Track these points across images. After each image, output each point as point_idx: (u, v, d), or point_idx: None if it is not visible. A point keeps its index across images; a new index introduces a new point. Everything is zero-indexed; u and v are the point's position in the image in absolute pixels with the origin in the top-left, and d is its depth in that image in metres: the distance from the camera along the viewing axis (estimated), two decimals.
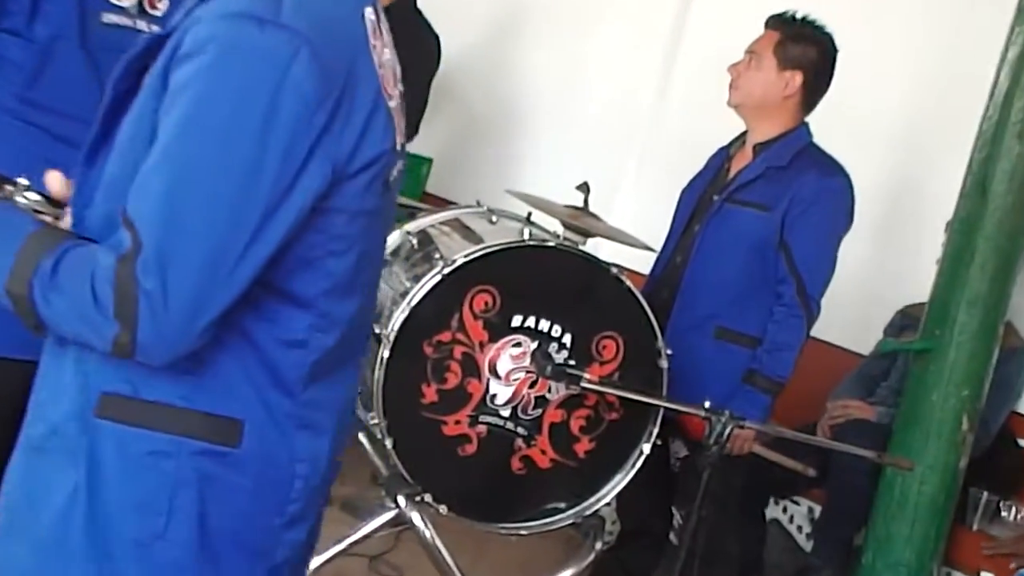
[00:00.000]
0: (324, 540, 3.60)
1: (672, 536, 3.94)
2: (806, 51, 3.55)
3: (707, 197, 3.69)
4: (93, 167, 1.59)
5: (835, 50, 3.60)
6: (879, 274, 4.73)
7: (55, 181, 1.63)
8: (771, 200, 3.51)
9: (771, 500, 4.52)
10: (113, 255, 1.44)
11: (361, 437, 3.49)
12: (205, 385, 1.54)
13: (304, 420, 1.61)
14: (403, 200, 4.79)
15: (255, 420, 1.57)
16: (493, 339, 3.03)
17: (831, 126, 3.69)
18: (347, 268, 1.60)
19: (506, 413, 3.09)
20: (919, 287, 4.07)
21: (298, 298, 1.56)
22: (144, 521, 1.54)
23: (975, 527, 4.17)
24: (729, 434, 2.89)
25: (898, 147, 4.78)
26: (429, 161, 5.69)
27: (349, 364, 1.70)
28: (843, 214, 3.56)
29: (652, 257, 3.81)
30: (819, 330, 3.85)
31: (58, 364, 1.59)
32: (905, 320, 4.42)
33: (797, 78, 3.55)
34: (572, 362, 3.06)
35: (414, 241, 3.31)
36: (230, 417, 1.56)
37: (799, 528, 4.64)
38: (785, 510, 4.67)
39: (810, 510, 4.60)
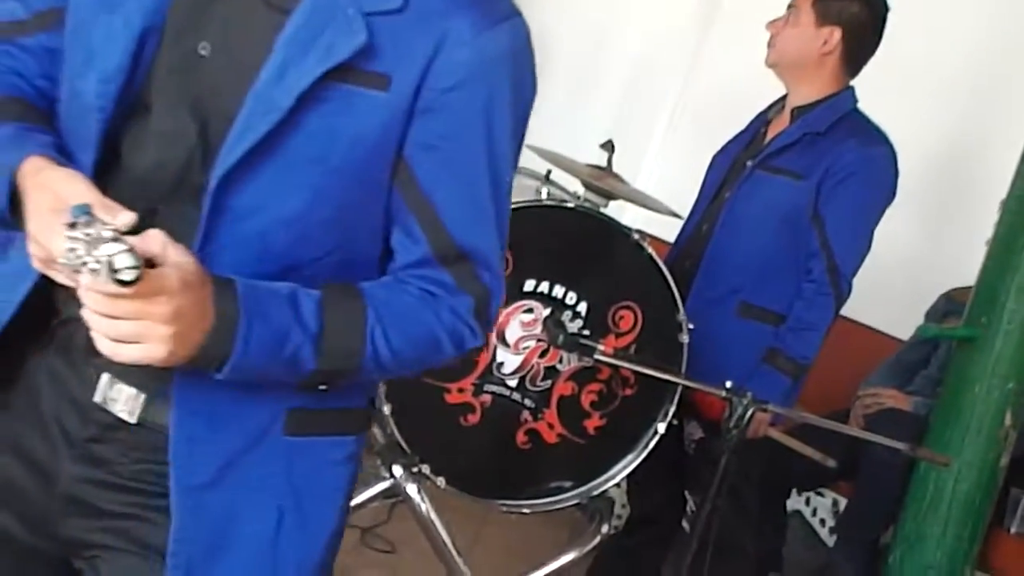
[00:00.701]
0: None
1: (684, 524, 3.97)
2: (847, 5, 3.53)
3: (740, 163, 3.67)
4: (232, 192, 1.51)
5: (885, 8, 3.57)
6: (924, 254, 4.75)
7: (156, 242, 1.40)
8: (806, 168, 3.49)
9: (793, 491, 4.57)
10: (463, 308, 1.59)
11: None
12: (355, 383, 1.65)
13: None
14: None
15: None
16: (503, 304, 3.07)
17: (878, 91, 3.67)
18: None
19: (513, 383, 3.14)
20: (967, 270, 4.07)
21: None
22: (338, 518, 1.67)
23: (1013, 530, 4.17)
24: (750, 418, 2.93)
25: (952, 116, 4.76)
26: None
27: None
28: (884, 187, 3.54)
29: (678, 224, 3.82)
30: (856, 311, 3.89)
31: (208, 393, 1.54)
32: (950, 305, 4.44)
33: (836, 34, 3.53)
34: (586, 332, 3.10)
35: None
36: (363, 408, 1.70)
37: (822, 522, 4.69)
38: (808, 502, 4.71)
39: (835, 503, 4.63)
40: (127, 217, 1.33)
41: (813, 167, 3.49)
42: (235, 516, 1.57)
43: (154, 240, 1.36)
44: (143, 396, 1.54)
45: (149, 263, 1.33)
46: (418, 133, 1.52)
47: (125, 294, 1.28)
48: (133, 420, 1.55)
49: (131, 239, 1.28)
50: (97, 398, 1.55)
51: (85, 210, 1.27)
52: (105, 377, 1.54)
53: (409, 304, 1.56)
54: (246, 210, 1.48)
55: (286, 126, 1.46)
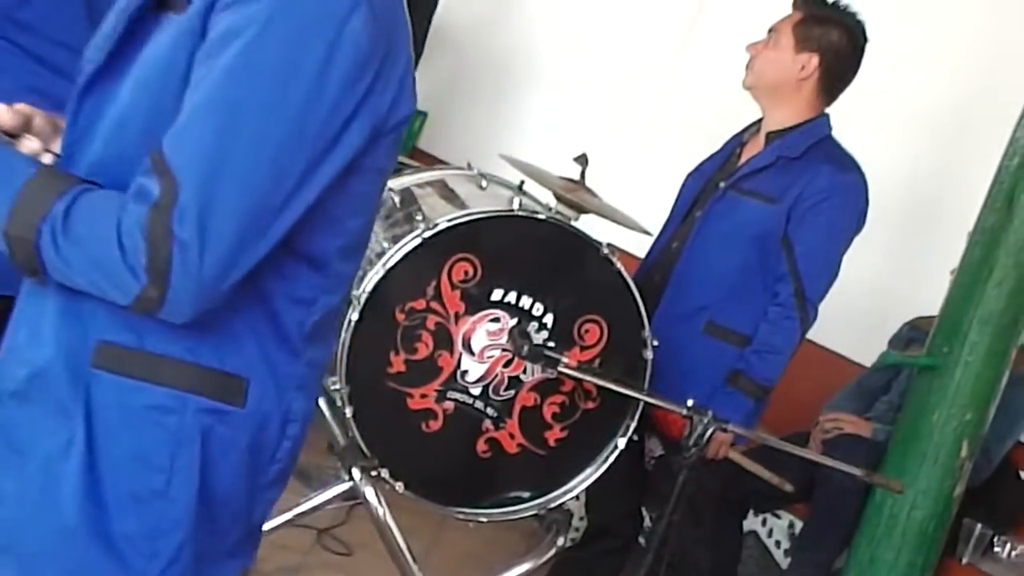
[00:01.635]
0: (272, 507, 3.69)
1: (640, 539, 3.98)
2: (827, 33, 3.56)
3: (713, 183, 3.71)
4: (89, 100, 1.63)
5: (863, 38, 3.60)
6: (890, 282, 4.77)
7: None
8: (779, 192, 3.53)
9: (751, 512, 4.58)
10: (144, 203, 1.47)
11: (321, 403, 3.54)
12: (211, 340, 1.60)
13: (302, 381, 1.70)
14: None
15: (259, 378, 1.64)
16: (470, 311, 3.08)
17: (849, 119, 3.70)
18: (361, 228, 1.71)
19: (476, 391, 3.14)
20: (932, 299, 4.08)
21: (314, 257, 1.65)
22: (144, 476, 1.60)
23: (965, 560, 4.19)
24: (710, 437, 2.94)
25: (923, 147, 4.79)
26: (423, 115, 5.72)
27: (335, 325, 1.79)
28: (854, 214, 3.57)
29: (648, 242, 3.85)
30: (820, 335, 3.90)
31: (39, 305, 1.62)
32: (913, 333, 4.46)
33: (814, 60, 3.56)
34: (552, 344, 3.10)
35: (396, 199, 3.35)
36: (236, 374, 1.63)
37: (777, 543, 4.69)
38: (764, 523, 4.72)
39: (791, 525, 4.65)
40: None
41: (785, 191, 3.52)
42: (32, 431, 1.60)
43: None
44: None
45: None
46: (200, 49, 1.52)
47: None
48: None
49: None
50: None
51: None
52: None
53: (107, 199, 1.52)
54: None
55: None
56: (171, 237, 1.46)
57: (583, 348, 3.16)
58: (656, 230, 3.82)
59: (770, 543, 4.71)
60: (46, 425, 1.60)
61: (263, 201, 1.51)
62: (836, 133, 3.66)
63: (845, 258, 3.60)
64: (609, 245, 3.17)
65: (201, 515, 1.63)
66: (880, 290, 4.73)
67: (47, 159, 1.66)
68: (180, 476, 1.60)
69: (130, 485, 1.60)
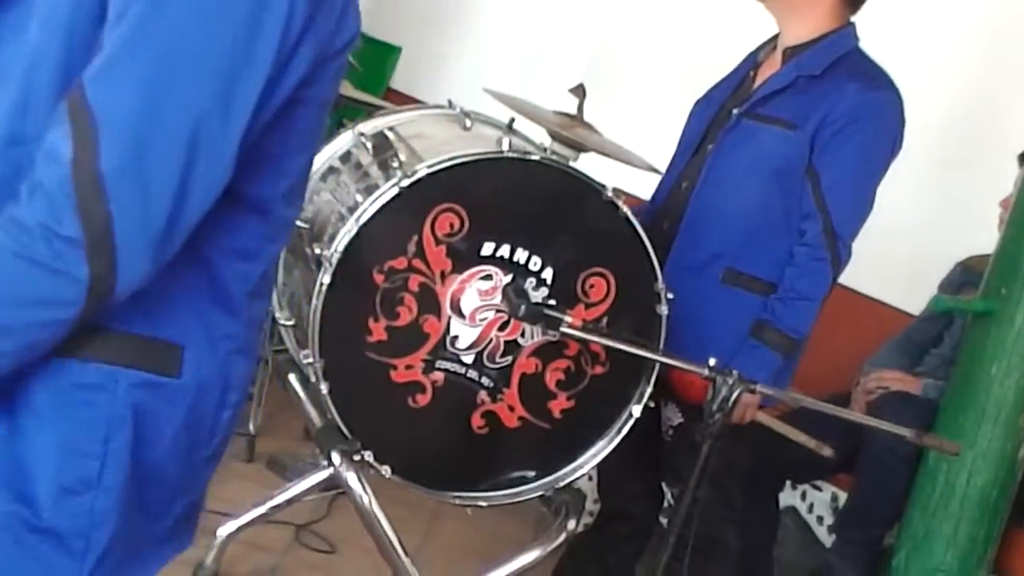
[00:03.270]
0: (243, 502, 3.73)
1: (661, 520, 4.02)
2: None
3: (725, 111, 3.72)
4: None
5: None
6: (935, 216, 4.80)
7: None
8: (800, 116, 3.53)
9: (787, 484, 4.62)
10: (55, 165, 1.49)
11: (292, 380, 3.58)
12: (143, 305, 1.63)
13: (241, 343, 1.74)
14: (362, 96, 4.86)
15: (195, 345, 1.68)
16: (458, 269, 3.11)
17: (882, 32, 3.70)
18: (302, 168, 1.76)
19: (469, 359, 3.18)
20: (985, 235, 4.12)
21: (255, 202, 1.69)
22: (73, 465, 1.63)
23: None
24: (736, 400, 2.99)
25: (969, 61, 4.80)
26: (397, 51, 5.72)
27: (273, 279, 1.83)
28: (888, 137, 3.58)
29: (656, 180, 3.87)
30: (859, 281, 3.94)
31: None
32: (966, 275, 4.49)
33: None
34: (552, 302, 3.13)
35: (369, 145, 3.36)
36: (170, 342, 1.66)
37: (819, 519, 4.75)
38: (804, 497, 4.77)
39: (834, 498, 4.70)
40: None
41: (807, 115, 3.51)
42: None
43: None
44: None
45: None
46: None
47: None
48: None
49: None
50: None
51: None
52: None
53: None
54: None
55: None
56: (101, 190, 1.48)
57: (588, 305, 3.20)
58: (664, 167, 3.83)
59: (811, 519, 4.76)
60: None
61: (204, 144, 1.53)
62: (864, 46, 3.65)
63: (882, 190, 3.59)
64: (613, 188, 3.19)
65: (134, 501, 1.67)
66: (925, 226, 4.76)
67: None
68: (112, 462, 1.63)
69: (59, 478, 1.63)
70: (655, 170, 3.63)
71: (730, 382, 2.91)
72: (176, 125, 1.51)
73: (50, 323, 1.53)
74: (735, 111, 3.65)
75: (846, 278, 3.63)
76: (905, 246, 4.61)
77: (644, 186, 3.93)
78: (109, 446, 1.63)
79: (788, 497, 4.68)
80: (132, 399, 1.63)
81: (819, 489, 4.75)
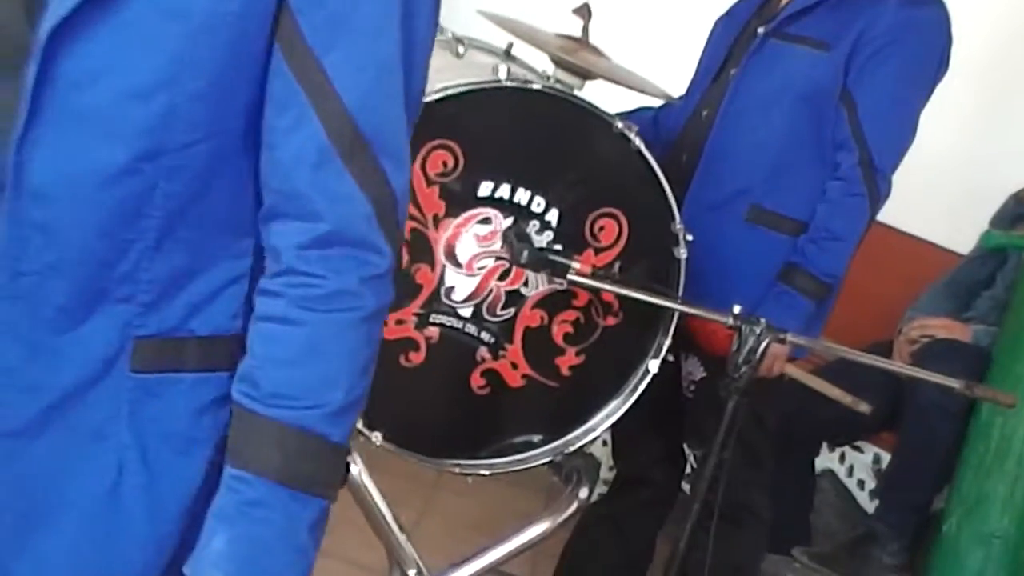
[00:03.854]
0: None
1: (684, 486, 4.05)
2: None
3: (749, 30, 3.72)
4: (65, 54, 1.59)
5: None
6: (984, 145, 4.79)
7: None
8: (833, 35, 3.53)
9: (824, 445, 4.65)
10: (352, 201, 1.62)
11: None
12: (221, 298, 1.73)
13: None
14: None
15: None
16: (452, 213, 3.13)
17: None
18: None
19: (466, 312, 3.20)
20: None
21: None
22: (204, 489, 1.71)
23: None
24: (764, 351, 3.01)
25: None
26: None
27: None
28: (932, 58, 3.58)
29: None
30: (900, 218, 3.95)
31: (16, 307, 1.63)
32: (1021, 208, 4.51)
33: None
34: (558, 247, 3.15)
35: None
36: (239, 334, 1.73)
37: (860, 483, 4.79)
38: (842, 459, 4.80)
39: (876, 460, 4.73)
40: None
41: (842, 34, 3.51)
42: (60, 474, 1.66)
43: None
44: None
45: None
46: None
47: None
48: None
49: None
50: None
51: None
52: None
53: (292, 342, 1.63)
54: (85, 77, 1.55)
55: None
56: (395, 204, 1.65)
57: (598, 250, 3.22)
58: (680, 93, 3.84)
59: (851, 483, 4.80)
60: (79, 466, 1.66)
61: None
62: None
63: (926, 117, 3.59)
64: (624, 119, 3.20)
65: None
66: (974, 155, 4.76)
67: None
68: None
69: (189, 495, 1.72)
70: (670, 98, 3.64)
71: (757, 331, 2.95)
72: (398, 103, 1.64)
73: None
74: (761, 30, 3.64)
75: (885, 215, 3.64)
76: (951, 178, 4.61)
77: None
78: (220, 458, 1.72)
79: (825, 459, 4.71)
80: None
81: (860, 450, 4.78)
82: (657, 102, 3.58)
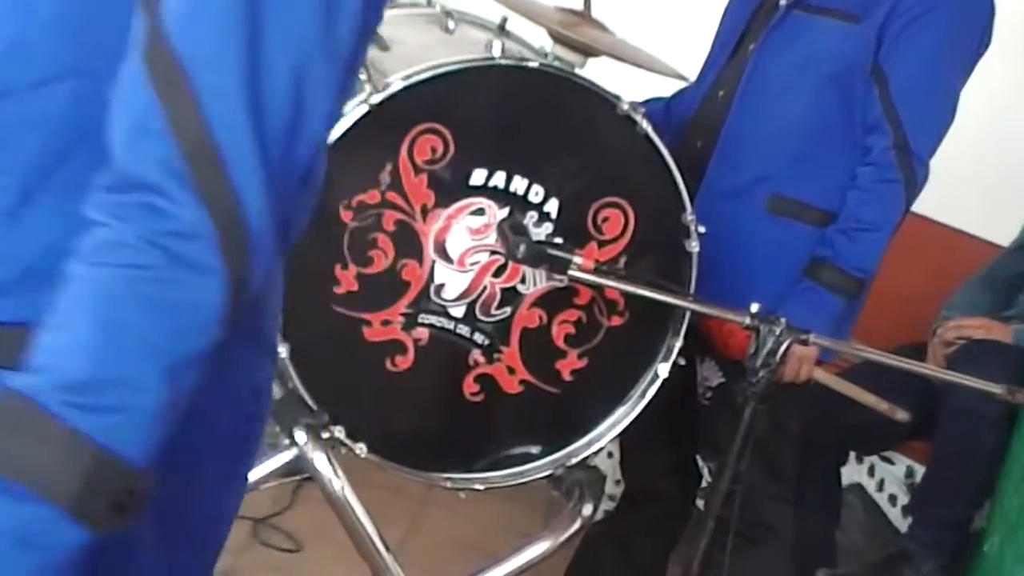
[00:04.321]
0: None
1: (698, 502, 4.05)
2: None
3: (770, 2, 3.71)
4: None
5: None
6: None
7: None
8: (863, 5, 3.52)
9: (852, 456, 4.65)
10: (154, 136, 1.45)
11: None
12: None
13: None
14: None
15: None
16: (442, 203, 3.13)
17: None
18: None
19: (458, 312, 3.21)
20: None
21: None
22: None
23: None
24: (785, 353, 3.01)
25: None
26: None
27: None
28: (974, 32, 3.57)
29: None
30: (935, 206, 3.94)
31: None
32: None
33: None
34: (558, 240, 3.16)
35: None
36: None
37: (892, 498, 4.78)
38: (872, 471, 4.80)
39: (909, 473, 4.73)
40: None
41: (872, 4, 3.50)
42: None
43: None
44: None
45: None
46: None
47: None
48: None
49: None
50: None
51: None
52: None
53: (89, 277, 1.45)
54: None
55: None
56: (214, 155, 1.45)
57: (602, 243, 3.24)
58: (694, 73, 3.85)
59: (881, 498, 4.79)
60: None
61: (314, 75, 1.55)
62: None
63: (966, 96, 3.59)
64: (630, 101, 3.20)
65: None
66: (1013, 139, 4.75)
67: None
68: None
69: None
70: (682, 77, 3.63)
71: (776, 332, 2.95)
72: (281, 65, 1.51)
73: (201, 349, 1.49)
74: (783, 1, 3.64)
75: (918, 204, 3.64)
76: (989, 162, 4.61)
77: (665, 95, 3.94)
78: None
79: (853, 471, 4.71)
80: None
81: (891, 462, 4.78)
82: (666, 82, 3.57)
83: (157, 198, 1.41)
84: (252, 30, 1.47)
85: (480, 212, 3.16)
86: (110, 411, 1.41)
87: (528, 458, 3.36)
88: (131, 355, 1.42)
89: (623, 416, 3.37)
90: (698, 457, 4.01)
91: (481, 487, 3.35)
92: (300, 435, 3.18)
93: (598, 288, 3.23)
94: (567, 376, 3.31)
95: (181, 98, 1.44)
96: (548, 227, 3.19)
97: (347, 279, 3.11)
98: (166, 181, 1.42)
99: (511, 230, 3.13)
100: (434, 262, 3.16)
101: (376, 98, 3.02)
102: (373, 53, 3.32)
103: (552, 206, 3.19)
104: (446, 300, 3.19)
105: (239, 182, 1.45)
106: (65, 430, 1.38)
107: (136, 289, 1.42)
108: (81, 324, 1.41)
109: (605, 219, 3.23)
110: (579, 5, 3.42)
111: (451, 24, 3.47)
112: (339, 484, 3.27)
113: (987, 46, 3.61)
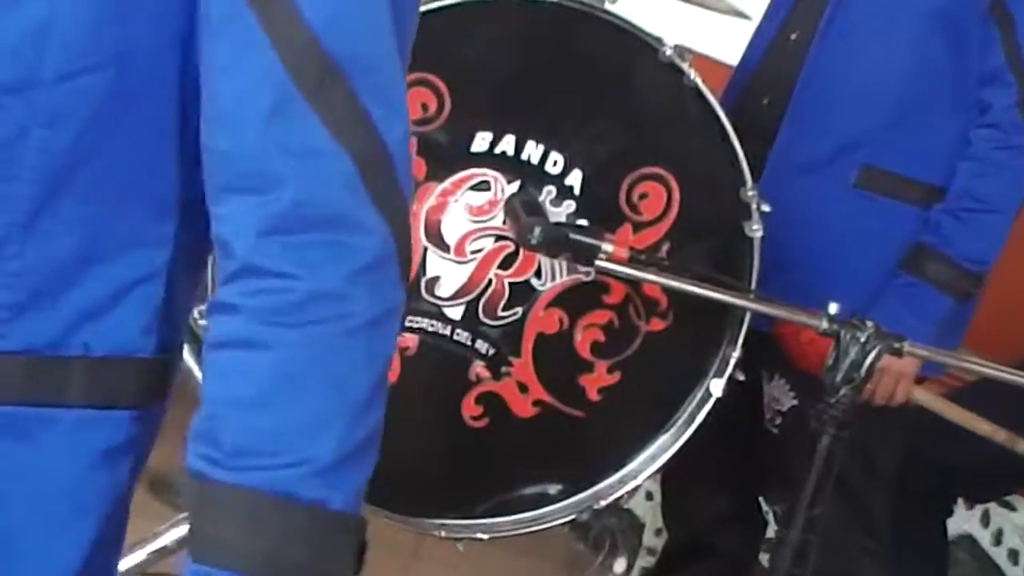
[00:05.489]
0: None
1: (762, 557, 4.05)
2: None
3: None
4: None
5: None
6: None
7: None
8: None
9: (960, 501, 4.65)
10: (318, 155, 1.56)
11: (186, 356, 3.59)
12: None
13: None
14: None
15: None
16: (436, 175, 3.14)
17: None
18: None
19: (456, 313, 3.21)
20: None
21: None
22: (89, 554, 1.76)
23: None
24: (873, 366, 2.98)
25: None
26: None
27: None
28: None
29: (745, 33, 3.89)
30: None
31: None
32: None
33: None
34: (583, 222, 3.15)
35: None
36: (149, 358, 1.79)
37: (1012, 554, 4.78)
38: (986, 520, 4.80)
39: None
40: None
41: None
42: None
43: None
44: None
45: None
46: None
47: None
48: None
49: None
50: None
51: None
52: None
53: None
54: None
55: None
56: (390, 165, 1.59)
57: (638, 226, 3.23)
58: (758, 12, 3.83)
59: (999, 553, 4.79)
60: None
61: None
62: None
63: None
64: (676, 45, 3.18)
65: None
66: None
67: None
68: None
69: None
70: (742, 15, 3.63)
71: (862, 338, 2.92)
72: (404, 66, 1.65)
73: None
74: None
75: None
76: None
77: (726, 43, 3.93)
78: None
79: (962, 520, 4.71)
80: None
81: (1011, 507, 4.77)
82: (721, 21, 3.57)
83: (341, 232, 1.55)
84: (400, 30, 1.62)
85: (484, 186, 3.16)
86: (356, 479, 1.65)
87: (544, 500, 3.34)
88: (368, 414, 1.63)
89: (665, 447, 3.34)
90: (762, 500, 3.99)
91: (484, 536, 3.33)
92: None
93: (634, 283, 3.21)
94: (594, 395, 3.29)
95: (342, 107, 1.55)
96: (570, 205, 3.19)
97: None
98: (349, 204, 1.55)
99: (523, 209, 3.08)
100: (425, 250, 3.15)
101: None
102: None
103: (575, 179, 3.19)
104: (441, 298, 3.19)
105: (407, 191, 1.61)
106: (332, 513, 1.59)
107: (357, 340, 1.57)
108: (310, 397, 1.56)
109: (643, 195, 3.22)
110: None
111: None
112: None
113: None
